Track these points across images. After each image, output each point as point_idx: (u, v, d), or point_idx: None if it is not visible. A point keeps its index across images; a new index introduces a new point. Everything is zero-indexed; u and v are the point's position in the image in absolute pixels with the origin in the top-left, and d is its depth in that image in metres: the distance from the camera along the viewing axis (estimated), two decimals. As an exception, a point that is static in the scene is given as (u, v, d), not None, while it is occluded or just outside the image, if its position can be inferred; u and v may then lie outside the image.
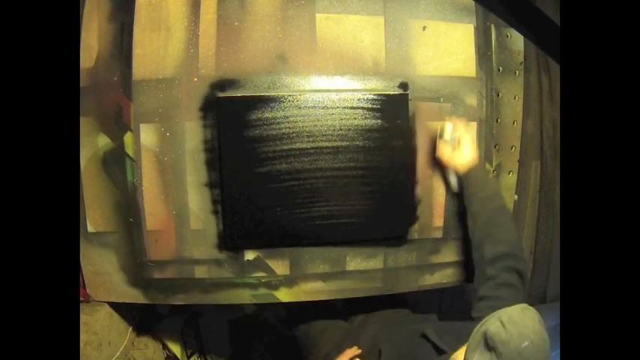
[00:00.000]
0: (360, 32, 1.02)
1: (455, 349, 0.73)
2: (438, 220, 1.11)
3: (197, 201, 1.02)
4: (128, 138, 1.00)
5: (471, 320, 0.83)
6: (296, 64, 1.01)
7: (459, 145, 1.01)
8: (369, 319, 1.12)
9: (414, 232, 1.10)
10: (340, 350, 0.97)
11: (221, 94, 0.99)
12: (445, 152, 1.02)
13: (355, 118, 1.02)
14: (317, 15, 1.01)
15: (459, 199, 1.06)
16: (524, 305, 0.71)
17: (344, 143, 1.02)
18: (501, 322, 0.67)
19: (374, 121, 1.02)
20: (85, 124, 1.00)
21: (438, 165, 1.07)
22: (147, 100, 0.99)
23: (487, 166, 1.12)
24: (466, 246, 1.10)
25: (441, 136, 1.03)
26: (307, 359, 1.17)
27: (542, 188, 1.22)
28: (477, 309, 0.86)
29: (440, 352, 0.79)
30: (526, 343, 0.64)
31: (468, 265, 1.12)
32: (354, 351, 0.94)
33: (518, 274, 0.88)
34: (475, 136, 1.09)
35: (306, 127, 1.00)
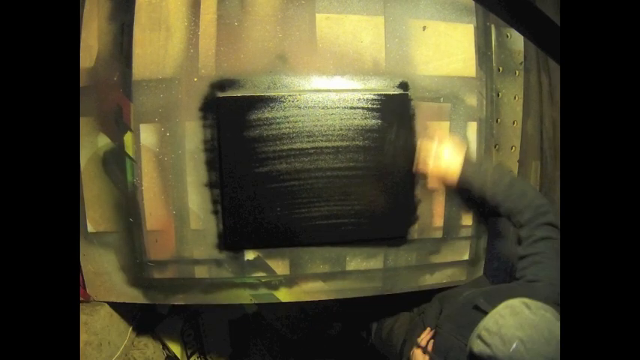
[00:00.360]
0: (360, 32, 1.02)
1: None
2: (438, 220, 1.11)
3: (197, 201, 1.02)
4: (128, 138, 1.00)
5: (515, 280, 0.86)
6: (296, 64, 1.01)
7: (440, 158, 0.97)
8: (427, 304, 1.11)
9: (414, 232, 1.11)
10: (415, 335, 0.98)
11: (221, 94, 0.99)
12: (433, 171, 0.98)
13: (355, 118, 1.02)
14: (317, 15, 1.01)
15: (469, 197, 1.02)
16: (504, 305, 0.70)
17: (344, 143, 1.02)
18: (481, 338, 0.67)
19: (374, 121, 1.02)
20: (85, 124, 1.00)
21: (435, 182, 1.01)
22: (147, 100, 0.99)
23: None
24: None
25: (422, 159, 0.99)
26: (390, 356, 1.17)
27: (542, 188, 1.22)
28: (519, 268, 0.87)
29: None
30: (514, 345, 0.63)
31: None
32: (428, 332, 0.94)
33: (551, 225, 0.88)
34: (449, 135, 1.05)
35: (306, 127, 1.00)
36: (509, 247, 1.04)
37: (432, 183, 0.99)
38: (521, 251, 0.89)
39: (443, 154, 0.97)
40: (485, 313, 0.79)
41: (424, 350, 0.90)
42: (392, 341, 1.14)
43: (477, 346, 0.67)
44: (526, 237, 0.88)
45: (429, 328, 0.95)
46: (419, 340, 0.94)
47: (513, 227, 0.94)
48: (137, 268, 1.06)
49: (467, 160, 0.96)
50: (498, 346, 0.64)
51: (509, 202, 0.91)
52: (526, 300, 0.70)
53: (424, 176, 1.00)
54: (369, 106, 1.02)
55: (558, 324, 0.66)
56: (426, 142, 1.00)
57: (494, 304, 0.75)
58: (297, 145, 1.00)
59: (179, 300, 1.09)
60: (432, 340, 0.91)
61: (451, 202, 1.11)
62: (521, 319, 0.66)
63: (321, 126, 1.01)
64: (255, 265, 1.07)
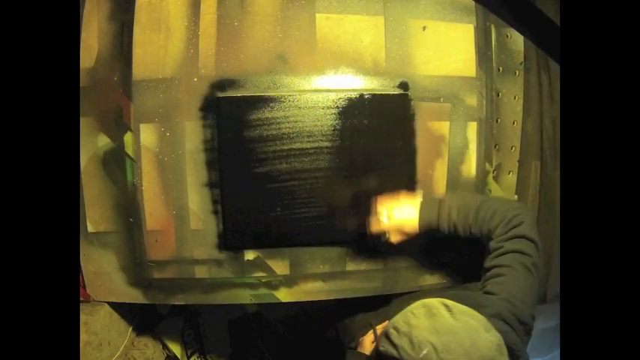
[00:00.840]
0: (360, 32, 1.02)
1: None
2: (438, 220, 1.11)
3: (197, 201, 1.02)
4: (128, 138, 1.00)
5: (479, 290, 0.80)
6: (296, 64, 1.01)
7: (393, 218, 0.92)
8: (393, 302, 1.08)
9: (414, 232, 1.10)
10: (375, 322, 0.93)
11: (221, 94, 0.99)
12: (391, 229, 0.93)
13: (355, 118, 1.02)
14: (317, 15, 1.01)
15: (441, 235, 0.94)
16: (419, 303, 0.63)
17: (344, 143, 1.02)
18: (388, 338, 0.60)
19: (374, 121, 1.02)
20: (85, 124, 1.00)
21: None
22: (147, 100, 0.99)
23: (487, 166, 1.12)
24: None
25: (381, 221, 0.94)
26: (344, 344, 1.11)
27: (542, 188, 1.22)
28: (482, 279, 0.81)
29: None
30: (424, 351, 0.56)
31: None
32: (384, 324, 0.89)
33: (524, 237, 0.80)
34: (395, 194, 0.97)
35: (306, 127, 1.00)
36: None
37: (394, 238, 0.94)
38: (486, 263, 0.82)
39: (395, 212, 0.91)
40: None
41: (376, 335, 0.86)
42: (351, 326, 1.09)
43: (383, 346, 0.60)
44: (494, 249, 0.82)
45: (387, 321, 0.91)
46: (378, 326, 0.90)
47: (483, 242, 0.87)
48: (137, 268, 1.06)
49: (424, 206, 0.90)
50: (406, 350, 0.57)
51: (482, 226, 0.85)
52: (447, 301, 0.62)
53: (384, 234, 0.94)
54: (369, 106, 1.02)
55: (488, 336, 0.58)
56: (377, 206, 0.94)
57: None
58: (297, 145, 1.00)
59: (179, 300, 1.09)
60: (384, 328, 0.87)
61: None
62: (437, 323, 0.58)
63: (321, 126, 1.01)
64: (255, 265, 1.07)
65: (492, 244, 0.82)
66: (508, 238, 0.81)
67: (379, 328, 0.92)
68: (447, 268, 1.15)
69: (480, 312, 0.65)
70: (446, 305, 0.61)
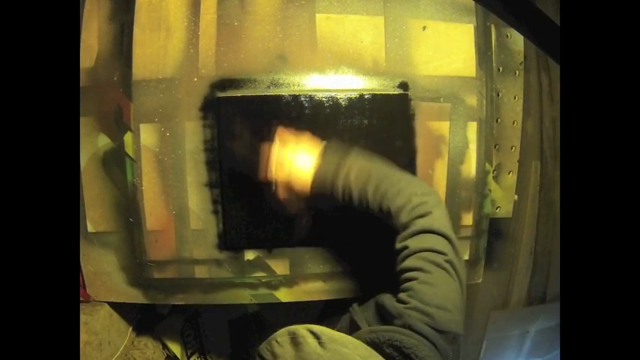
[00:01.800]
0: (360, 32, 1.02)
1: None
2: (438, 220, 1.11)
3: (197, 201, 1.02)
4: (128, 138, 1.00)
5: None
6: (296, 64, 1.01)
7: (285, 164, 0.80)
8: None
9: (414, 232, 1.10)
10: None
11: (221, 94, 0.99)
12: (280, 179, 0.81)
13: (355, 118, 1.01)
14: (317, 15, 1.01)
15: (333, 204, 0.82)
16: (288, 329, 0.56)
17: (344, 143, 1.02)
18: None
19: (374, 121, 1.02)
20: (85, 124, 1.00)
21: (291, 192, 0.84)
22: (147, 100, 0.99)
23: (487, 166, 1.12)
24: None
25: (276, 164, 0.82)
26: None
27: (542, 188, 1.22)
28: (398, 285, 0.68)
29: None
30: None
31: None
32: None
33: (432, 232, 0.67)
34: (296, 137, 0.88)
35: (306, 127, 1.00)
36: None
37: (280, 193, 0.82)
38: (396, 267, 0.69)
39: (288, 158, 0.79)
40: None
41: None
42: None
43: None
44: (398, 249, 0.69)
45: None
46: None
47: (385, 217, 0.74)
48: (137, 268, 1.06)
49: (323, 159, 0.79)
50: None
51: (382, 203, 0.72)
52: (316, 327, 0.55)
53: (273, 186, 0.83)
54: (369, 106, 1.02)
55: None
56: (273, 146, 0.83)
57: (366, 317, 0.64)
58: (297, 145, 1.00)
59: (179, 300, 1.09)
60: None
61: (451, 201, 1.11)
62: (303, 353, 0.51)
63: (321, 126, 1.01)
64: (255, 265, 1.07)
65: (397, 244, 0.70)
66: (412, 234, 0.68)
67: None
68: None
69: (392, 324, 0.60)
70: (313, 333, 0.53)
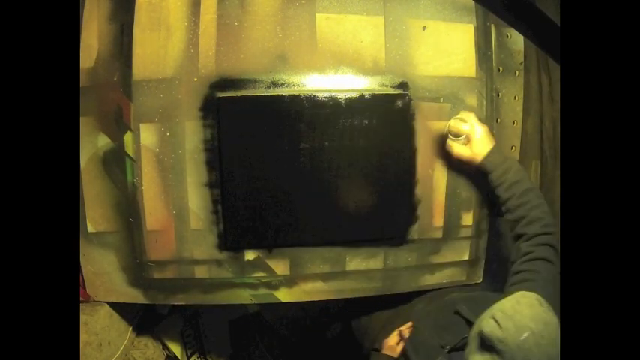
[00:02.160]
0: (360, 32, 1.02)
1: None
2: (438, 220, 1.11)
3: (197, 201, 1.02)
4: (128, 138, 1.00)
5: (502, 292, 0.82)
6: (296, 64, 1.01)
7: (472, 139, 0.98)
8: (414, 301, 1.12)
9: (414, 232, 1.10)
10: (395, 324, 0.97)
11: (221, 94, 0.99)
12: (456, 149, 1.00)
13: (355, 118, 1.01)
14: (317, 15, 1.01)
15: (483, 187, 1.06)
16: (521, 293, 0.70)
17: (344, 143, 1.02)
18: (495, 319, 0.66)
19: (374, 121, 1.02)
20: (85, 124, 1.00)
21: (449, 161, 1.05)
22: (147, 100, 0.99)
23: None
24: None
25: (452, 134, 1.00)
26: (364, 345, 1.16)
27: (542, 188, 1.22)
28: (510, 282, 0.85)
29: (472, 325, 0.78)
30: (525, 334, 0.63)
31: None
32: (411, 325, 0.94)
33: (553, 247, 0.86)
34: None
35: (306, 127, 1.00)
36: (509, 250, 1.04)
37: (457, 149, 0.99)
38: (517, 266, 0.86)
39: (477, 133, 0.97)
40: (466, 319, 0.80)
41: (401, 337, 0.89)
42: (370, 327, 1.13)
43: (489, 326, 0.66)
44: (525, 252, 0.86)
45: (411, 322, 0.94)
46: (400, 328, 0.93)
47: (514, 237, 0.92)
48: (137, 268, 1.06)
49: (495, 148, 0.97)
50: (510, 331, 0.63)
51: (520, 209, 0.90)
52: (539, 297, 0.69)
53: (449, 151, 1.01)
54: (369, 106, 1.02)
55: (559, 333, 0.65)
56: (463, 118, 1.00)
57: (476, 312, 0.74)
58: (297, 145, 1.00)
59: (179, 300, 1.09)
60: (410, 329, 0.90)
61: (451, 201, 1.11)
62: (535, 313, 0.65)
63: (321, 126, 1.01)
64: (255, 265, 1.07)
65: (525, 247, 0.87)
66: (541, 243, 0.85)
67: (404, 330, 0.93)
68: (446, 268, 1.15)
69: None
70: (538, 299, 0.68)
